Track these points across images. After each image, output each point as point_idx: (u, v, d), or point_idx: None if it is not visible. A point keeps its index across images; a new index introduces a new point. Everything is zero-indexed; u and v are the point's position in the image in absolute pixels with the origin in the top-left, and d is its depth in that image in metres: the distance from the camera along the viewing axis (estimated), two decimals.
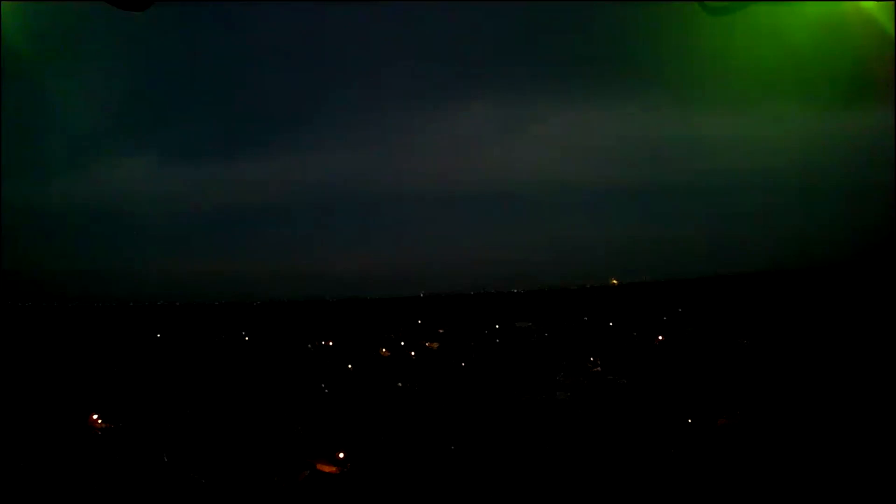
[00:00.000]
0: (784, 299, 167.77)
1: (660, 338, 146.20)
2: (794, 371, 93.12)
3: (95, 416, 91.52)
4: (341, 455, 76.82)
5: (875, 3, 11.23)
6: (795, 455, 58.54)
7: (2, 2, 11.64)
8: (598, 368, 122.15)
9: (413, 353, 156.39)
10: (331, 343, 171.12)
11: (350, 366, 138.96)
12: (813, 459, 56.29)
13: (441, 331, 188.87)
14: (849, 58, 12.85)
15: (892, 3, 11.07)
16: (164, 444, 79.81)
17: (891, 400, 65.69)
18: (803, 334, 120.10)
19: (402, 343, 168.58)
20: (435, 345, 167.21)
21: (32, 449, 67.85)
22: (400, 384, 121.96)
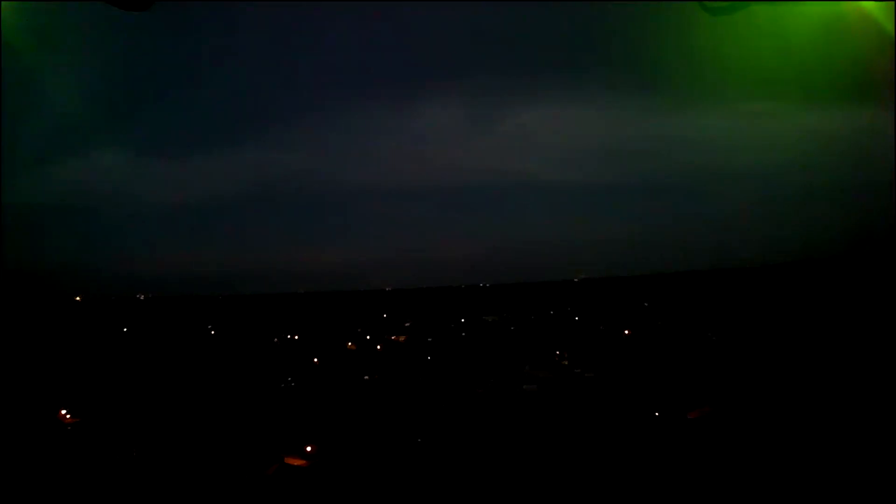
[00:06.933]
0: (756, 295, 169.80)
1: (626, 332, 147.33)
2: (763, 365, 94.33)
3: (64, 412, 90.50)
4: (309, 448, 76.59)
5: (875, 3, 11.37)
6: (764, 448, 59.36)
7: (2, 2, 11.55)
8: (566, 362, 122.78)
9: (379, 347, 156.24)
10: (297, 337, 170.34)
11: (316, 359, 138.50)
12: (782, 453, 57.09)
13: (407, 324, 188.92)
14: (849, 58, 13.01)
15: (892, 3, 11.22)
16: (132, 438, 79.11)
17: (858, 391, 66.87)
18: (773, 329, 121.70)
19: (369, 337, 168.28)
20: (401, 338, 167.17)
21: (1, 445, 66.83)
22: (366, 377, 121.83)
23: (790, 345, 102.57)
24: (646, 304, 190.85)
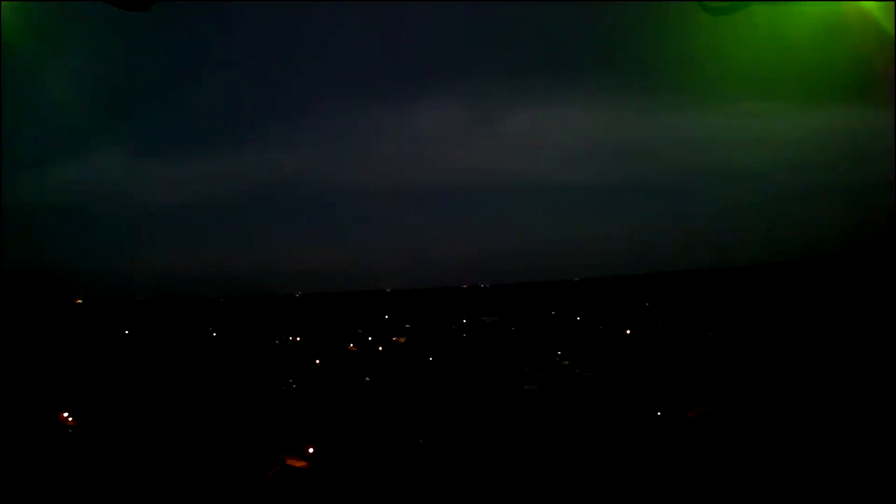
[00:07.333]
0: (756, 294, 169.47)
1: (627, 331, 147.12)
2: (764, 364, 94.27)
3: (65, 414, 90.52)
4: (310, 450, 76.61)
5: (875, 3, 11.38)
6: (765, 447, 59.31)
7: (2, 2, 11.54)
8: (566, 362, 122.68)
9: (380, 348, 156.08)
10: (298, 338, 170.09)
11: (317, 361, 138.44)
12: (782, 453, 57.05)
13: (408, 325, 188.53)
14: (849, 58, 13.02)
15: (893, 3, 11.22)
16: (133, 440, 79.08)
17: (857, 390, 66.85)
18: (772, 328, 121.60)
19: (369, 338, 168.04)
20: (402, 339, 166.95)
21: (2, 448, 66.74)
22: (367, 378, 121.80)
23: (790, 344, 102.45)
24: (646, 304, 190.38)
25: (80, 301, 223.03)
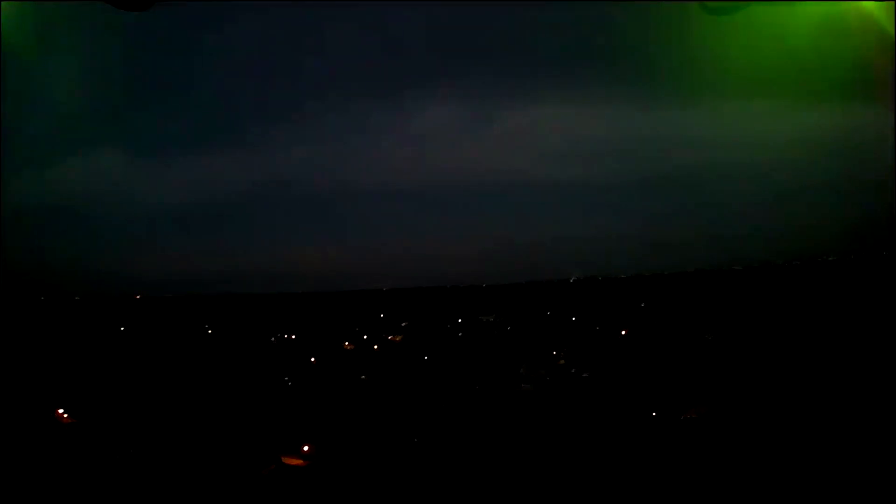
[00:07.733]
0: (754, 294, 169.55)
1: (623, 332, 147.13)
2: (760, 366, 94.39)
3: (61, 411, 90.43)
4: (306, 448, 76.57)
5: (875, 3, 11.38)
6: (760, 449, 59.41)
7: (2, 2, 11.54)
8: (562, 361, 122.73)
9: (376, 347, 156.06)
10: (294, 336, 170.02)
11: (313, 359, 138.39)
12: (781, 454, 57.13)
13: (404, 324, 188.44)
14: (849, 58, 13.02)
15: (892, 3, 11.23)
16: (128, 439, 78.99)
17: (856, 391, 66.96)
18: (768, 330, 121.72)
19: (366, 336, 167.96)
20: (398, 338, 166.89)
21: None
22: (364, 377, 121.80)
23: (788, 345, 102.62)
24: (642, 305, 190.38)
25: (77, 298, 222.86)
